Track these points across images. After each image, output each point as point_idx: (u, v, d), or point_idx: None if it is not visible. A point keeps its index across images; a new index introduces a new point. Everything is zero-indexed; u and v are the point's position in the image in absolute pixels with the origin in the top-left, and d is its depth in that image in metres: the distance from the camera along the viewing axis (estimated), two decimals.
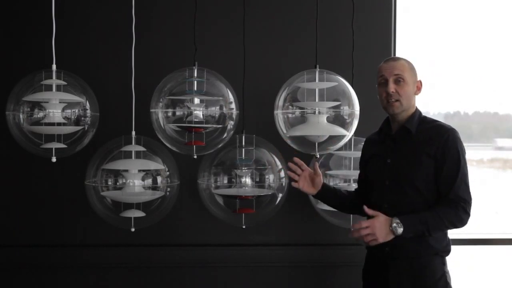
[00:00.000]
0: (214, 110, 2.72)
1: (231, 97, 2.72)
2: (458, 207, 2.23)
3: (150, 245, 3.33)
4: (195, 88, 2.64)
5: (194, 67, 2.67)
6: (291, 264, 3.36)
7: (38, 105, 2.60)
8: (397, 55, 3.36)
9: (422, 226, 2.20)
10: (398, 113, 2.35)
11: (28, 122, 2.62)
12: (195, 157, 2.69)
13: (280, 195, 2.86)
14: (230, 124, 2.73)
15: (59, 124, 2.53)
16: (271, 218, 2.93)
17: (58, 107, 2.51)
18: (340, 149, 2.80)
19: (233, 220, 2.84)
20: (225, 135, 2.73)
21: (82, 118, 2.69)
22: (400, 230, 2.18)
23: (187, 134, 2.67)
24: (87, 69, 3.13)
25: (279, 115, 2.75)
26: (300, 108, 2.72)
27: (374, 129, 2.61)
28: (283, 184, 2.85)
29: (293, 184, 2.53)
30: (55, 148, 2.53)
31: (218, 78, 2.72)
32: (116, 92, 3.16)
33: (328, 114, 2.69)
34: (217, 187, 2.84)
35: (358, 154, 2.81)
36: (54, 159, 2.51)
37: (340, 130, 2.67)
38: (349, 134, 2.72)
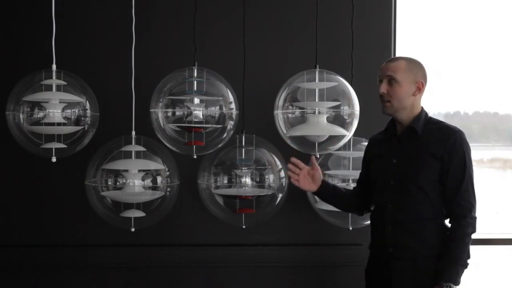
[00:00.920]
0: (214, 110, 2.72)
1: (231, 97, 2.72)
2: (467, 218, 2.25)
3: (150, 245, 3.33)
4: (195, 88, 2.64)
5: (194, 67, 2.67)
6: (291, 264, 3.36)
7: (38, 105, 2.60)
8: (397, 55, 3.35)
9: (461, 265, 2.24)
10: (389, 113, 2.35)
11: (28, 122, 2.62)
12: (195, 157, 2.69)
13: (280, 195, 2.87)
14: (230, 124, 2.73)
15: (59, 124, 2.53)
16: (271, 218, 2.93)
17: (58, 107, 2.51)
18: (339, 149, 2.80)
19: (233, 220, 2.84)
20: (225, 135, 2.73)
21: (82, 118, 2.69)
22: (455, 287, 2.22)
23: (187, 134, 2.67)
24: (87, 69, 3.12)
25: (279, 115, 2.75)
26: (300, 108, 2.72)
27: (374, 129, 2.61)
28: (283, 184, 2.85)
29: (293, 182, 2.52)
30: (55, 148, 2.53)
31: (218, 78, 2.72)
32: (116, 92, 3.16)
33: (328, 114, 2.69)
34: (217, 187, 2.84)
35: (358, 154, 2.82)
36: (54, 159, 2.51)
37: (340, 130, 2.67)
38: (349, 134, 2.72)
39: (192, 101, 2.65)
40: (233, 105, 2.73)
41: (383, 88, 2.30)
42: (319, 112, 2.66)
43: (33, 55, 3.22)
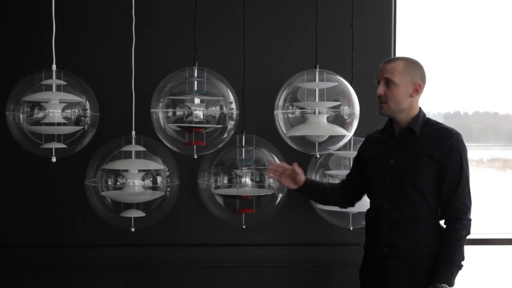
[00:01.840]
0: (214, 110, 2.72)
1: (231, 97, 2.72)
2: (462, 220, 2.26)
3: (150, 245, 3.33)
4: (195, 88, 2.64)
5: (194, 67, 2.67)
6: (291, 264, 3.36)
7: (38, 105, 2.60)
8: (397, 55, 3.36)
9: (456, 266, 2.25)
10: (386, 115, 2.35)
11: (28, 122, 2.62)
12: (195, 157, 2.69)
13: (280, 195, 2.87)
14: (230, 124, 2.73)
15: (59, 124, 2.53)
16: (271, 218, 2.93)
17: (58, 107, 2.51)
18: (339, 149, 2.80)
19: (233, 220, 2.84)
20: (225, 135, 2.73)
21: (82, 118, 2.69)
22: None
23: (187, 134, 2.67)
24: (87, 69, 3.13)
25: (279, 115, 2.75)
26: (300, 108, 2.72)
27: (374, 129, 2.60)
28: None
29: (270, 175, 2.54)
30: (55, 148, 2.53)
31: (218, 78, 2.72)
32: (116, 92, 3.16)
33: (328, 114, 2.69)
34: (217, 187, 2.84)
35: None
36: (54, 159, 2.51)
37: (340, 130, 2.67)
38: (349, 134, 2.72)
39: (192, 101, 2.65)
40: (233, 105, 2.73)
41: (380, 89, 2.31)
42: (319, 112, 2.66)
43: (33, 55, 3.22)
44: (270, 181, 2.79)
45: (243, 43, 2.86)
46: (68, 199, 3.30)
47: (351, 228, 2.97)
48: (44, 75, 2.52)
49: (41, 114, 2.60)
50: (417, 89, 2.32)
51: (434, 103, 3.73)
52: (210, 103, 2.70)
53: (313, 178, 2.99)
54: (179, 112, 2.68)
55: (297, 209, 3.27)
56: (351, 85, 2.78)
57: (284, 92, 2.75)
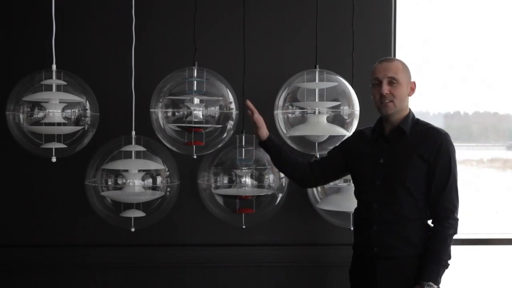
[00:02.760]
0: (214, 110, 2.72)
1: (231, 97, 2.72)
2: (449, 220, 2.27)
3: (150, 245, 3.33)
4: (195, 88, 2.64)
5: (194, 67, 2.67)
6: (291, 264, 3.36)
7: (38, 105, 2.60)
8: (397, 55, 3.36)
9: (442, 265, 2.25)
10: (392, 114, 2.35)
11: (28, 122, 2.62)
12: (195, 157, 2.69)
13: (280, 195, 2.87)
14: (230, 124, 2.73)
15: (59, 124, 2.53)
16: (271, 218, 2.93)
17: (58, 107, 2.51)
18: None
19: (233, 220, 2.84)
20: (225, 135, 2.73)
21: (82, 118, 2.69)
22: (435, 287, 2.22)
23: (187, 134, 2.67)
24: (87, 69, 3.13)
25: (279, 115, 2.75)
26: (300, 108, 2.72)
27: None
28: (283, 184, 2.85)
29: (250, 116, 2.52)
30: (55, 148, 2.53)
31: (218, 78, 2.72)
32: (116, 92, 3.15)
33: (328, 114, 2.69)
34: (217, 187, 2.84)
35: None
36: (54, 159, 2.51)
37: (340, 130, 2.67)
38: (349, 134, 2.72)
39: (192, 101, 2.65)
40: (233, 105, 2.73)
41: (386, 88, 2.31)
42: (319, 112, 2.66)
43: (33, 55, 3.22)
44: (270, 181, 2.79)
45: (243, 43, 2.86)
46: (68, 199, 3.30)
47: (351, 228, 2.97)
48: (44, 75, 2.53)
49: (41, 114, 2.60)
50: (412, 88, 2.38)
51: (434, 103, 3.73)
52: (210, 103, 2.70)
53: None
54: (178, 112, 2.68)
55: (297, 209, 3.27)
56: (351, 85, 2.78)
57: (284, 92, 2.75)
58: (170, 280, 3.35)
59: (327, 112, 2.68)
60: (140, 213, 2.63)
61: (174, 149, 2.72)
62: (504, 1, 3.74)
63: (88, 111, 2.70)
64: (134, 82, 2.61)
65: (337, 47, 3.24)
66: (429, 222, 2.36)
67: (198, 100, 2.65)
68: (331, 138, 2.70)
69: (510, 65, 3.77)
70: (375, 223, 2.34)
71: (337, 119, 2.71)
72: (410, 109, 2.40)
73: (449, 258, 2.27)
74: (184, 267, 3.34)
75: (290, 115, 2.74)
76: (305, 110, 2.70)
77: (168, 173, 2.72)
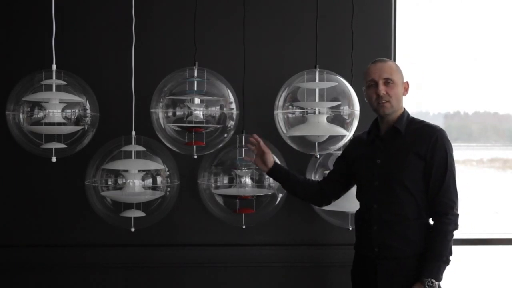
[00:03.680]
0: (214, 110, 2.72)
1: (231, 97, 2.72)
2: (449, 215, 2.27)
3: (150, 245, 3.33)
4: (195, 88, 2.64)
5: (194, 67, 2.67)
6: (291, 264, 3.36)
7: (38, 105, 2.60)
8: (397, 55, 3.36)
9: (443, 261, 2.24)
10: (389, 114, 2.36)
11: (28, 122, 2.62)
12: (195, 157, 2.69)
13: (280, 195, 2.87)
14: (230, 124, 2.73)
15: (59, 124, 2.53)
16: (271, 218, 2.93)
17: (58, 107, 2.51)
18: (339, 149, 2.80)
19: (233, 220, 2.84)
20: (225, 135, 2.73)
21: (82, 118, 2.69)
22: (436, 283, 2.22)
23: (187, 134, 2.67)
24: (87, 69, 3.13)
25: (279, 115, 2.75)
26: (300, 108, 2.72)
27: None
28: None
29: (245, 158, 2.59)
30: (55, 148, 2.53)
31: (218, 78, 2.73)
32: (116, 92, 3.16)
33: (328, 114, 2.69)
34: (217, 187, 2.84)
35: None
36: (54, 159, 2.51)
37: (340, 130, 2.67)
38: (349, 134, 2.72)
39: (192, 101, 2.65)
40: (233, 105, 2.73)
41: (383, 89, 2.33)
42: (319, 112, 2.66)
43: (33, 55, 3.22)
44: (270, 181, 2.79)
45: (243, 43, 2.86)
46: (68, 199, 3.30)
47: (351, 228, 2.97)
48: (44, 75, 2.53)
49: (41, 114, 2.60)
50: (406, 88, 2.40)
51: (434, 103, 3.73)
52: (210, 103, 2.70)
53: (312, 178, 2.98)
54: (179, 112, 2.69)
55: (297, 209, 3.27)
56: (351, 85, 2.78)
57: (284, 92, 2.75)
58: (170, 280, 3.35)
59: (327, 112, 2.68)
60: (140, 213, 2.63)
61: (174, 149, 2.72)
62: (504, 1, 3.74)
63: (88, 111, 2.70)
64: (134, 82, 2.61)
65: (336, 47, 3.24)
66: (430, 221, 2.36)
67: (199, 100, 2.65)
68: (331, 138, 2.71)
69: (510, 65, 3.77)
70: (375, 224, 2.34)
71: (337, 119, 2.71)
72: (404, 108, 2.41)
73: (450, 254, 2.26)
74: (184, 267, 3.34)
75: (290, 115, 2.74)
76: (305, 110, 2.70)
77: (168, 173, 2.72)
